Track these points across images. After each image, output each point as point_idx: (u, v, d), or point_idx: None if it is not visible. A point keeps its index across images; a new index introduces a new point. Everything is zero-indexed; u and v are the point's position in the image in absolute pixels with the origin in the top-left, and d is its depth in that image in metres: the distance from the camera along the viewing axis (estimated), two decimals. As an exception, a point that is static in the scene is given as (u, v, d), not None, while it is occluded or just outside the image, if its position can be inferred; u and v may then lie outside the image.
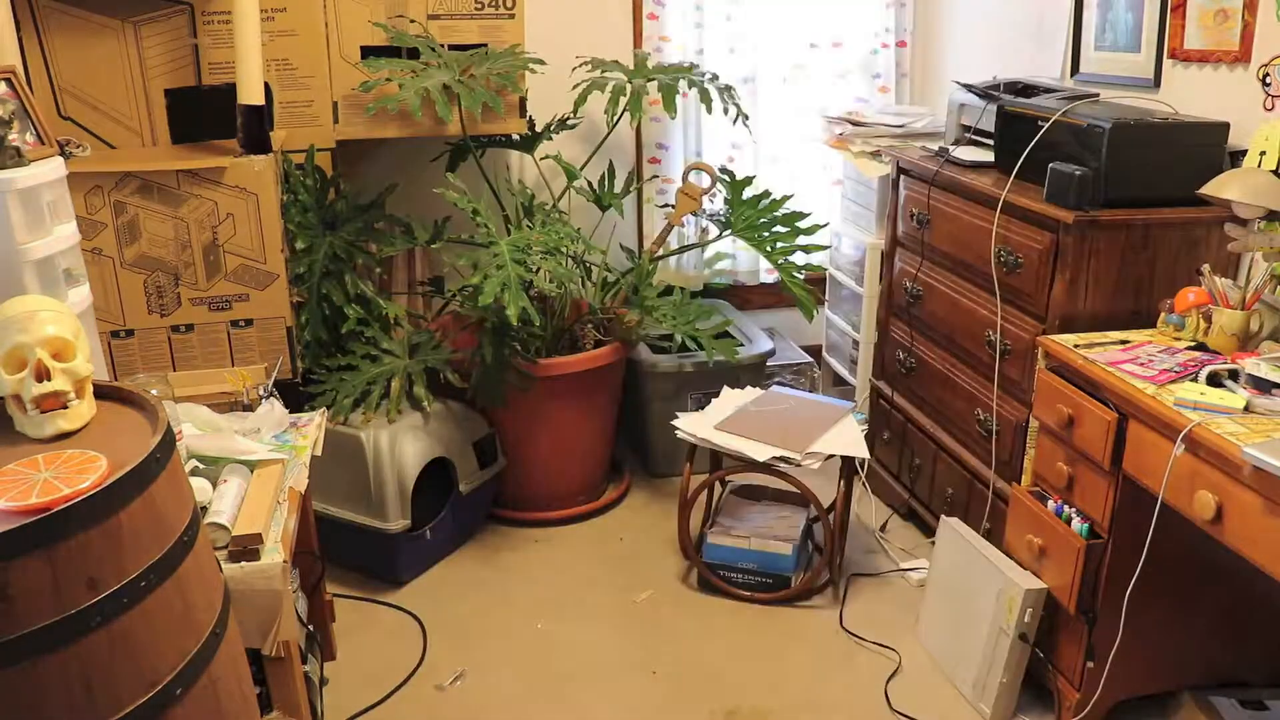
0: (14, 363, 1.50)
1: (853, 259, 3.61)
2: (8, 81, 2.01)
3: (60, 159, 1.97)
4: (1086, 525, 2.13)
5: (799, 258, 3.22)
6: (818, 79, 3.80)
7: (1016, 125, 2.58)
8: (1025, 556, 2.28)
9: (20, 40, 2.52)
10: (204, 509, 1.78)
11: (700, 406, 3.17)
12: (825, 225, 3.42)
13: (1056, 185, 2.29)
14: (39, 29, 2.61)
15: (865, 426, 2.87)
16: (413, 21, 3.00)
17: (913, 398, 3.03)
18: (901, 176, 3.02)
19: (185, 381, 2.34)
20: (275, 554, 1.76)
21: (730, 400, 2.96)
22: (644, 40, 3.59)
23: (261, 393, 2.29)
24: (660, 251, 3.38)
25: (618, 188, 3.40)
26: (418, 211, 3.22)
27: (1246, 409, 1.82)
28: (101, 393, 1.60)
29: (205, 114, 2.76)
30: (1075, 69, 2.98)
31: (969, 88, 2.93)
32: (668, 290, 3.44)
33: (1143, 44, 2.69)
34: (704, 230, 3.74)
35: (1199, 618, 2.21)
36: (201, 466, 1.96)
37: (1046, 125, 2.44)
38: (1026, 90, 2.83)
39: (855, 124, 3.39)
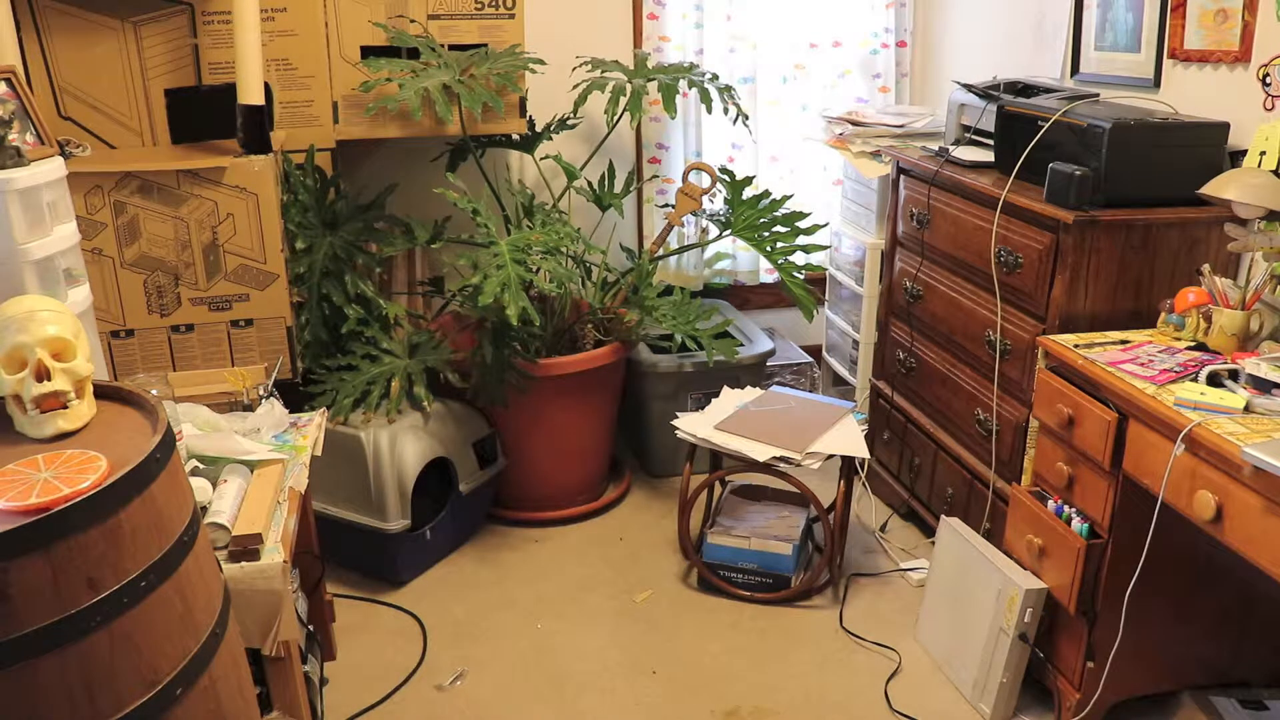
0: (14, 363, 1.50)
1: (853, 259, 3.61)
2: (8, 81, 2.01)
3: (60, 159, 1.97)
4: (1086, 525, 2.13)
5: (799, 258, 3.22)
6: (818, 79, 3.80)
7: (1016, 125, 2.58)
8: (1025, 556, 2.28)
9: (20, 40, 2.52)
10: (204, 509, 1.78)
11: (700, 406, 3.17)
12: (825, 225, 3.42)
13: (1056, 185, 2.29)
14: (39, 29, 2.61)
15: (865, 426, 2.87)
16: (413, 21, 3.00)
17: (913, 397, 3.03)
18: (901, 176, 3.02)
19: (185, 381, 2.34)
20: (275, 554, 1.76)
21: (730, 400, 2.96)
22: (644, 40, 3.59)
23: (261, 393, 2.29)
24: (660, 251, 3.39)
25: (618, 188, 3.40)
26: (418, 211, 3.22)
27: (1246, 409, 1.82)
28: (101, 393, 1.60)
29: (205, 114, 2.76)
30: (1075, 69, 2.98)
31: (969, 88, 2.93)
32: (668, 290, 3.44)
33: (1143, 44, 2.69)
34: (704, 230, 3.75)
35: (1199, 618, 2.21)
36: (201, 466, 1.96)
37: (1046, 125, 2.44)
38: (1026, 90, 2.83)
39: (855, 124, 3.39)
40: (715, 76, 3.27)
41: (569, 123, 3.35)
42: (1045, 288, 2.35)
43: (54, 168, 1.93)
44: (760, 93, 3.76)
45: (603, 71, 3.19)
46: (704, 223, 3.64)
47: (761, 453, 2.65)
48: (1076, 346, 2.17)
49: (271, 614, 1.74)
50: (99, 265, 2.53)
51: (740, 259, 3.93)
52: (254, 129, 2.60)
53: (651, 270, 3.22)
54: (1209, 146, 2.33)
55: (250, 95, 2.58)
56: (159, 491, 1.33)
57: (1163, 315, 2.22)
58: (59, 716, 1.21)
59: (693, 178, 3.34)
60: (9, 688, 1.18)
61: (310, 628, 2.22)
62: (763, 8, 3.68)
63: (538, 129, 3.35)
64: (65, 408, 1.49)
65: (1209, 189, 2.12)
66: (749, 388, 3.06)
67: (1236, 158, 2.31)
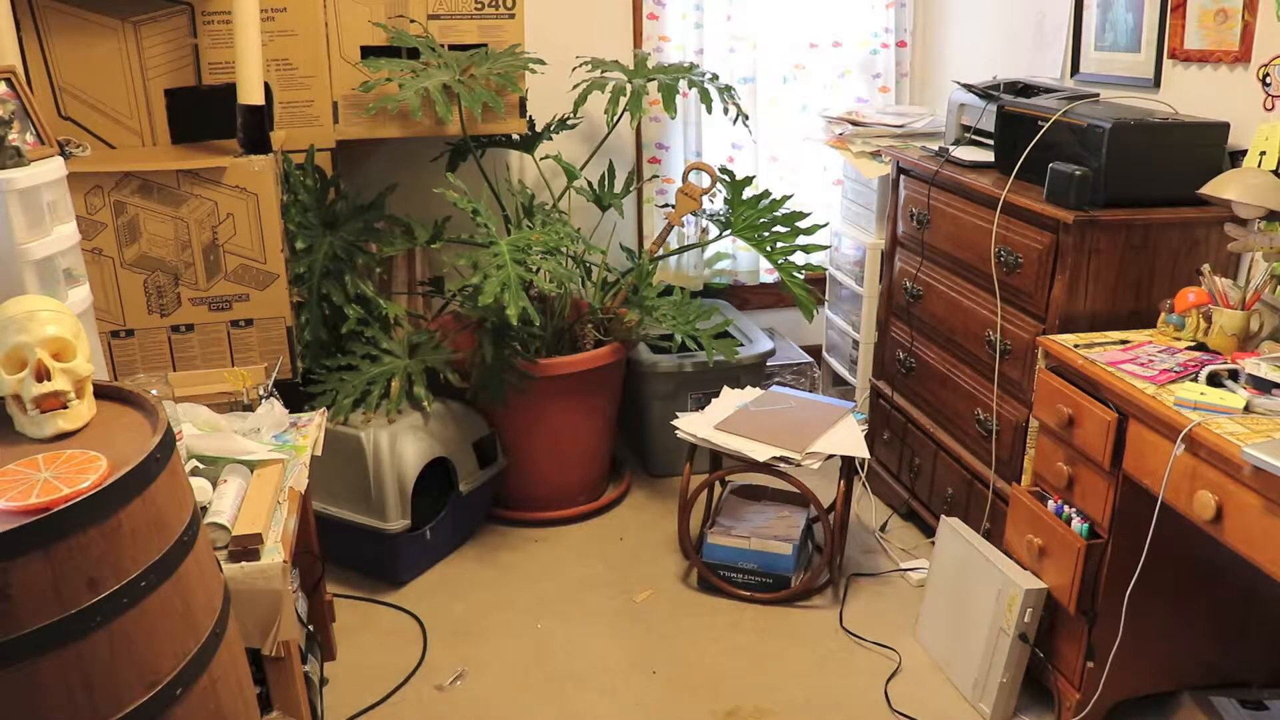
0: (14, 363, 1.50)
1: (853, 259, 3.61)
2: (8, 81, 2.01)
3: (60, 159, 1.97)
4: (1086, 525, 2.13)
5: (799, 258, 3.22)
6: (818, 79, 3.80)
7: (1016, 125, 2.58)
8: (1025, 556, 2.28)
9: (20, 40, 2.52)
10: (204, 509, 1.78)
11: (700, 406, 3.17)
12: (825, 225, 3.42)
13: (1056, 185, 2.29)
14: (39, 29, 2.61)
15: (865, 426, 2.87)
16: (413, 21, 3.00)
17: (913, 398, 3.03)
18: (901, 176, 3.02)
19: (185, 381, 2.34)
20: (275, 554, 1.76)
21: (730, 400, 2.96)
22: (644, 40, 3.59)
23: (261, 393, 2.29)
24: (660, 251, 3.38)
25: (618, 188, 3.40)
26: (418, 211, 3.22)
27: (1246, 409, 1.82)
28: (101, 393, 1.60)
29: (205, 114, 2.76)
30: (1075, 69, 2.98)
31: (969, 88, 2.93)
32: (668, 290, 3.44)
33: (1143, 44, 2.69)
34: (704, 230, 3.75)
35: (1199, 618, 2.21)
36: (201, 466, 1.96)
37: (1046, 125, 2.44)
38: (1026, 90, 2.83)
39: (855, 124, 3.39)
40: (715, 76, 3.27)
41: (569, 123, 3.35)
42: (1045, 288, 2.35)
43: (54, 168, 1.93)
44: (760, 93, 3.76)
45: (603, 71, 3.19)
46: (704, 223, 3.64)
47: (761, 453, 2.64)
48: (1076, 346, 2.17)
49: (271, 614, 1.74)
50: (99, 265, 2.53)
51: (740, 259, 3.93)
52: (254, 129, 2.60)
53: (651, 270, 3.22)
54: (1209, 146, 2.33)
55: (250, 95, 2.58)
56: (159, 491, 1.33)
57: (1163, 315, 2.22)
58: (59, 716, 1.21)
59: (693, 178, 3.34)
60: (9, 688, 1.18)
61: (310, 628, 2.22)
62: (763, 8, 3.68)
63: (538, 129, 3.35)
64: (65, 408, 1.49)
65: (1209, 189, 2.12)
66: (749, 388, 3.06)
67: (1236, 158, 2.31)
